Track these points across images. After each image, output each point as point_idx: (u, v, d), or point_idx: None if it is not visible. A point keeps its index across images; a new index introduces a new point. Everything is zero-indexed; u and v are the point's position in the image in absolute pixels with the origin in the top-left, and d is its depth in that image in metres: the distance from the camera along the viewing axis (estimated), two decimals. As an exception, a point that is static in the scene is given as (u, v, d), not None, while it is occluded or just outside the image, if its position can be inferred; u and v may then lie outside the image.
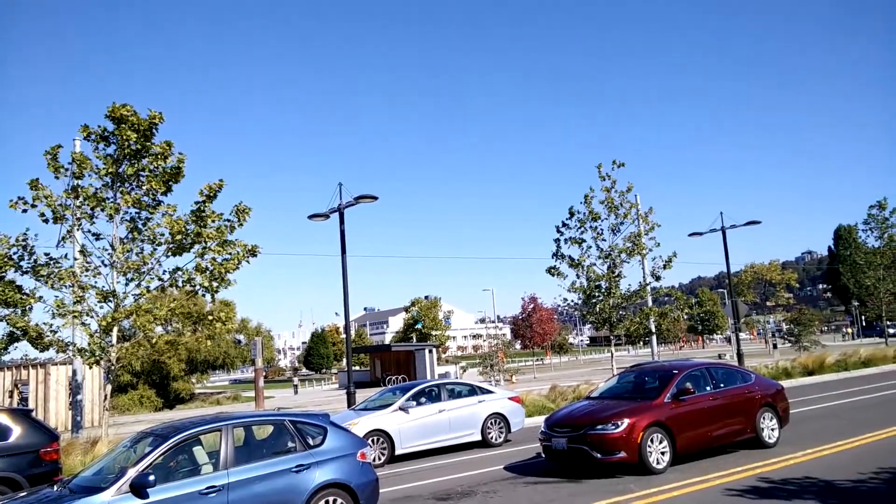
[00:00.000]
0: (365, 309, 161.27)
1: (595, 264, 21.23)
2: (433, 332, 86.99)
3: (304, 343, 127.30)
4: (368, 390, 31.17)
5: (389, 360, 53.52)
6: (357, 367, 62.95)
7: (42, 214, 13.92)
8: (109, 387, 15.70)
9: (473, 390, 15.19)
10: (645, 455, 10.19)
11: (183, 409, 43.89)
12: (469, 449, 14.40)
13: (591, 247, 21.35)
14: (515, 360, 67.31)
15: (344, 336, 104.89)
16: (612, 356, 23.46)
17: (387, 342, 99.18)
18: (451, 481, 10.98)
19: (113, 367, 14.87)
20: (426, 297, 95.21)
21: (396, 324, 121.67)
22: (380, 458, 13.07)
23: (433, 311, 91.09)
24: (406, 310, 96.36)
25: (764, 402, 11.99)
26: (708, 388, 11.56)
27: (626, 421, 10.31)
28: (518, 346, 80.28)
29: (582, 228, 21.29)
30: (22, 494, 7.20)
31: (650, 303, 24.31)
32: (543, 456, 11.57)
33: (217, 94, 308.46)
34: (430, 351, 49.87)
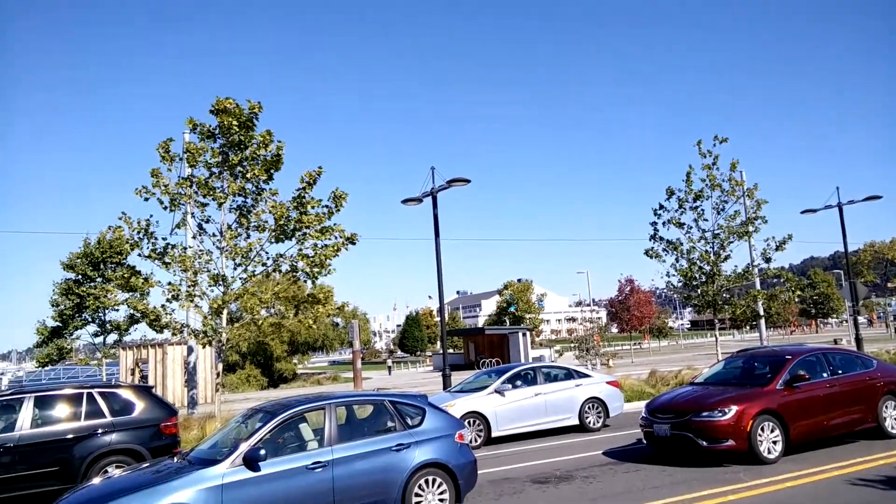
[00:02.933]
0: (458, 292, 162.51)
1: (696, 246, 20.34)
2: (526, 316, 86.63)
3: (398, 326, 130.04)
4: (462, 373, 31.44)
5: (483, 344, 53.74)
6: (451, 350, 63.67)
7: (161, 202, 14.85)
8: (220, 366, 16.61)
9: (570, 374, 14.97)
10: (755, 444, 9.71)
11: (286, 388, 45.87)
12: (566, 433, 14.22)
13: (691, 228, 20.46)
14: (612, 344, 65.90)
15: (437, 319, 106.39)
16: (716, 341, 22.49)
17: (479, 325, 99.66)
18: (549, 465, 10.88)
19: (223, 348, 15.68)
20: (519, 280, 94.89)
21: (489, 307, 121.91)
22: (476, 440, 13.14)
23: (526, 294, 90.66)
24: (499, 293, 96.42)
25: (887, 389, 11.16)
26: (824, 375, 10.86)
27: (735, 408, 9.85)
28: (614, 330, 78.67)
29: (681, 209, 20.42)
30: (145, 465, 7.72)
31: (758, 285, 23.09)
32: (644, 442, 11.27)
33: (308, 80, 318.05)
34: (524, 334, 49.65)
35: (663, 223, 20.68)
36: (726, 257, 20.01)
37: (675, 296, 23.84)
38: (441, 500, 7.62)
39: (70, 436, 9.85)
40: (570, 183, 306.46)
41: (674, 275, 20.84)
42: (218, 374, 16.50)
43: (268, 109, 14.90)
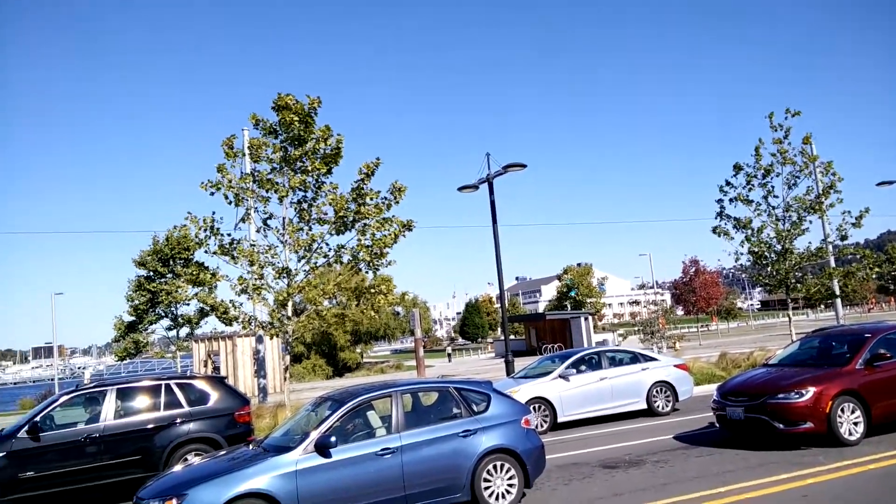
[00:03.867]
0: (517, 278, 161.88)
1: (766, 223, 19.60)
2: (587, 300, 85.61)
3: (458, 313, 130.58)
4: (524, 359, 31.33)
5: (544, 329, 53.40)
6: (512, 337, 63.52)
7: (226, 197, 15.25)
8: (288, 357, 17.02)
9: (636, 358, 14.71)
10: (835, 426, 9.33)
11: (351, 377, 46.81)
12: (633, 418, 14.00)
13: (761, 205, 19.72)
14: (677, 327, 64.41)
15: (497, 306, 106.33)
16: (789, 321, 21.65)
17: (540, 311, 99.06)
18: (618, 450, 10.74)
19: (290, 339, 16.05)
20: (578, 265, 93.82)
21: (549, 292, 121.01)
22: (541, 426, 13.08)
23: (586, 278, 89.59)
24: (558, 278, 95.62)
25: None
26: (908, 353, 10.31)
27: (813, 389, 9.48)
28: (680, 312, 76.76)
29: (749, 185, 19.69)
30: (222, 453, 7.99)
31: (832, 262, 22.11)
32: (716, 426, 10.99)
33: (364, 69, 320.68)
34: (586, 318, 49.08)
35: (730, 200, 19.99)
36: (800, 233, 19.20)
37: (744, 276, 23.06)
38: (510, 486, 7.62)
39: (151, 425, 10.29)
40: (629, 163, 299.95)
41: (743, 253, 20.17)
42: (286, 367, 16.93)
43: (324, 101, 15.09)
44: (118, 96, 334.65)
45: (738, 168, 19.76)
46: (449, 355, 59.96)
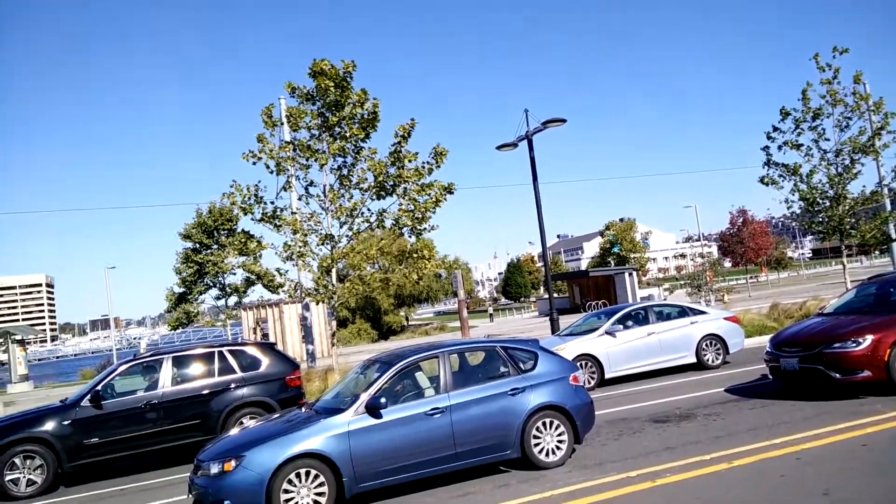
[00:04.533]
0: (558, 236, 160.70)
1: (817, 168, 18.88)
2: (631, 255, 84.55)
3: (500, 274, 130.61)
4: (568, 317, 31.22)
5: (588, 286, 53.03)
6: (555, 295, 63.30)
7: (267, 166, 15.38)
8: (334, 322, 17.28)
9: (684, 311, 14.47)
10: (894, 373, 9.04)
11: (395, 339, 47.39)
12: (682, 372, 13.84)
13: (811, 149, 18.98)
14: (726, 279, 63.15)
15: (540, 264, 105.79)
16: (843, 268, 20.98)
17: (582, 268, 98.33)
18: (668, 404, 10.65)
19: (335, 305, 16.25)
20: (621, 220, 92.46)
21: (591, 249, 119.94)
22: (589, 382, 13.04)
23: (629, 233, 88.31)
24: (601, 234, 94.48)
25: None
26: (972, 298, 9.88)
27: (870, 337, 9.18)
28: (728, 264, 75.22)
29: (798, 130, 18.94)
30: (275, 416, 8.19)
31: (888, 206, 21.25)
32: (770, 377, 10.79)
33: (396, 29, 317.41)
34: (630, 274, 48.50)
35: (778, 147, 19.31)
36: (853, 176, 18.45)
37: (794, 224, 22.40)
38: (560, 442, 7.63)
39: (206, 391, 10.60)
40: (670, 115, 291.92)
41: (794, 201, 19.52)
42: (333, 332, 17.20)
43: (358, 65, 14.96)
44: (159, 68, 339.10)
45: (785, 113, 19.02)
46: (491, 315, 60.16)
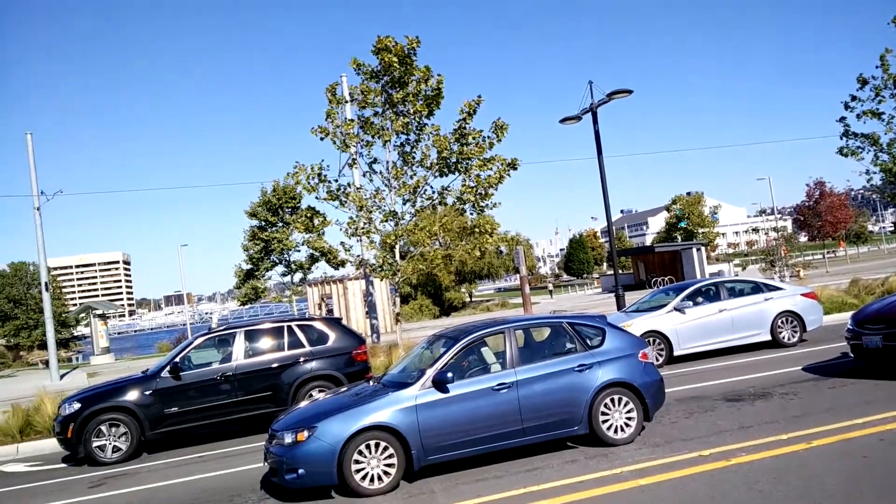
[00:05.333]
0: (622, 211, 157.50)
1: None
2: (699, 230, 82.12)
3: (561, 250, 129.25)
4: (632, 293, 30.63)
5: (653, 262, 51.85)
6: (619, 271, 62.21)
7: (333, 142, 15.56)
8: (398, 299, 17.51)
9: (758, 287, 13.94)
10: None
11: (457, 316, 47.56)
12: (756, 350, 13.38)
13: (893, 118, 17.87)
14: (802, 254, 60.57)
15: (603, 240, 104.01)
16: (930, 242, 19.77)
17: (647, 243, 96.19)
18: (741, 382, 10.33)
19: (398, 281, 16.42)
20: (688, 194, 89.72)
21: (656, 224, 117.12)
22: (657, 360, 12.76)
23: (697, 207, 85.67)
24: (667, 208, 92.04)
25: None
26: None
27: (964, 315, 8.62)
28: (803, 239, 72.06)
29: (878, 98, 17.85)
30: (344, 389, 8.34)
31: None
32: (850, 356, 10.30)
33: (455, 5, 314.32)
34: (698, 249, 47.08)
35: (857, 116, 18.27)
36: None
37: (875, 196, 21.21)
38: (629, 419, 7.51)
39: (277, 364, 10.90)
40: (740, 84, 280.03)
41: (874, 172, 18.48)
42: (397, 306, 17.40)
43: (421, 40, 14.87)
44: (226, 52, 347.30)
45: (863, 81, 17.95)
46: (550, 292, 59.67)
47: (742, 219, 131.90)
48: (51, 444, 11.09)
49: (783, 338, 13.32)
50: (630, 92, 16.95)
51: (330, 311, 36.48)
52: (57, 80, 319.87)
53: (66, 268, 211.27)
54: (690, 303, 13.41)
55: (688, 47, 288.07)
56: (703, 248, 49.54)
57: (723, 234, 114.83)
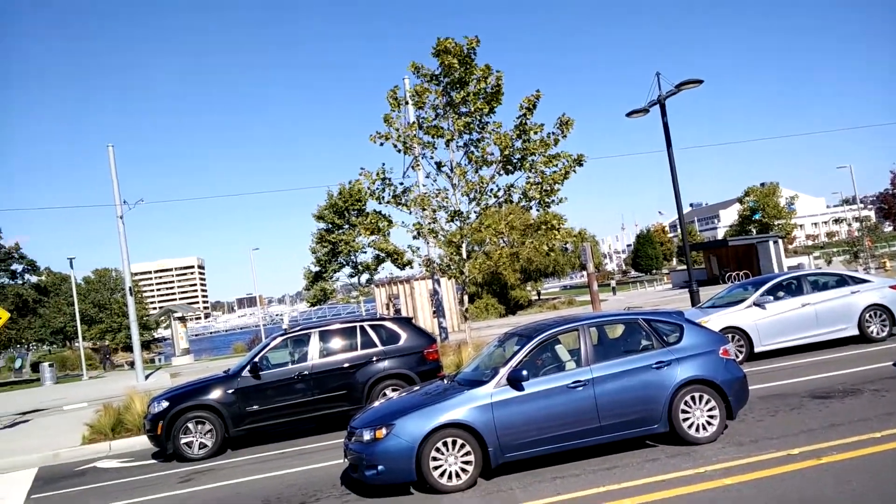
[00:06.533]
0: (691, 204, 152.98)
1: None
2: (775, 222, 78.95)
3: (628, 246, 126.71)
4: (706, 289, 29.71)
5: (727, 256, 50.13)
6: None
7: (394, 146, 15.76)
8: (466, 298, 17.56)
9: (843, 280, 13.29)
10: None
11: (523, 314, 47.28)
12: (842, 346, 12.78)
13: None
14: (887, 245, 57.26)
15: (671, 235, 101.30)
16: None
17: (719, 237, 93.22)
18: (828, 379, 9.89)
19: (466, 279, 16.47)
20: (762, 185, 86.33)
21: (728, 217, 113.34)
22: (737, 357, 12.35)
23: (772, 198, 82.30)
24: (739, 200, 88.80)
25: None
26: None
27: None
28: (888, 228, 68.21)
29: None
30: (417, 388, 8.43)
31: None
32: (949, 351, 9.71)
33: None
34: (775, 242, 45.24)
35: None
36: None
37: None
38: (710, 417, 7.30)
39: (351, 364, 11.11)
40: (814, 68, 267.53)
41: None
42: (465, 307, 17.46)
43: (480, 36, 14.88)
44: (294, 56, 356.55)
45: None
46: (613, 289, 58.50)
47: (821, 209, 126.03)
48: (140, 441, 11.65)
49: (872, 332, 12.67)
50: (700, 82, 16.48)
51: (398, 311, 36.90)
52: (134, 93, 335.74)
53: (145, 273, 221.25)
54: (771, 297, 12.92)
55: (757, 32, 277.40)
56: (780, 241, 47.58)
57: (800, 226, 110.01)
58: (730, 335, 12.43)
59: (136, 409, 12.58)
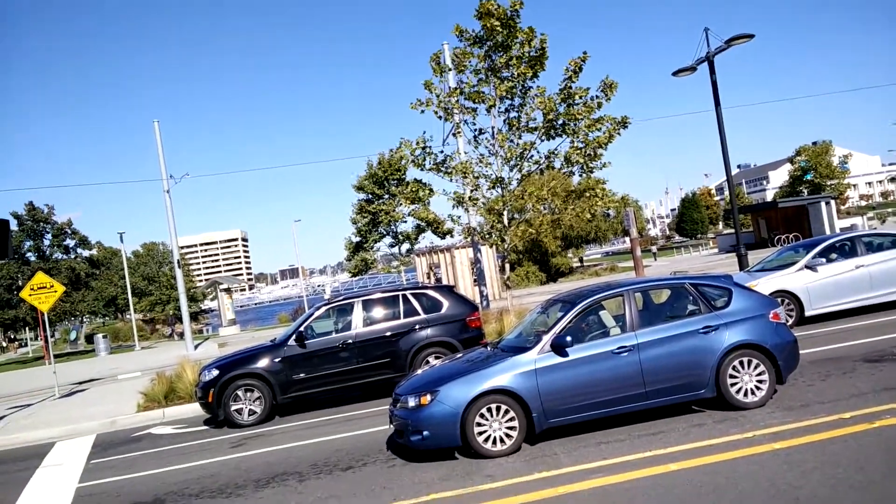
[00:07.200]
0: (738, 166, 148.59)
1: None
2: (827, 182, 76.37)
3: (672, 210, 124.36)
4: (754, 253, 29.01)
5: (776, 219, 48.76)
6: (733, 230, 59.05)
7: (435, 112, 15.63)
8: (507, 265, 17.51)
9: (899, 241, 12.78)
10: None
11: (564, 281, 46.92)
12: (896, 308, 12.37)
13: None
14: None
15: (717, 198, 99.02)
16: None
17: (767, 199, 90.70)
18: (882, 342, 9.61)
19: (507, 247, 16.40)
20: (814, 143, 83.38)
21: (777, 178, 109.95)
22: (787, 321, 12.04)
23: (824, 157, 79.48)
24: (790, 161, 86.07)
25: None
26: None
27: None
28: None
29: None
30: (459, 355, 8.46)
31: None
32: None
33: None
34: (827, 203, 43.76)
35: None
36: None
37: None
38: (759, 382, 7.17)
39: (395, 332, 11.21)
40: (865, 21, 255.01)
41: None
42: (507, 274, 17.41)
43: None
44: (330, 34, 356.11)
45: None
46: (654, 254, 57.58)
47: (876, 168, 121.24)
48: (192, 409, 12.03)
49: (929, 294, 12.19)
50: (751, 37, 15.85)
51: (438, 280, 37.05)
52: (179, 70, 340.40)
53: (191, 246, 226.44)
54: (823, 259, 12.52)
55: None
56: (832, 202, 46.04)
57: (854, 186, 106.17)
58: (779, 299, 12.13)
59: (187, 378, 12.96)
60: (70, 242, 44.86)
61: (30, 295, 17.17)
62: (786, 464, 5.44)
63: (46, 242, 43.67)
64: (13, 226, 38.90)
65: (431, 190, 16.71)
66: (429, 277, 39.52)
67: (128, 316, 62.73)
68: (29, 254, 42.59)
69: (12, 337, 62.20)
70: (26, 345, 59.14)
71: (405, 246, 57.18)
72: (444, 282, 35.81)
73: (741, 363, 7.17)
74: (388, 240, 58.03)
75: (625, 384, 6.98)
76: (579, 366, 6.94)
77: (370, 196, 55.07)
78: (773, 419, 6.69)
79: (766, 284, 12.21)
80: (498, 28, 14.31)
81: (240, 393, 10.54)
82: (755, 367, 7.18)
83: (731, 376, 7.13)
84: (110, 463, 9.29)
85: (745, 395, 7.14)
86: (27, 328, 49.52)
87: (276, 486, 6.91)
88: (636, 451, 6.26)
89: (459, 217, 16.64)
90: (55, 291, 17.38)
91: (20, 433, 12.39)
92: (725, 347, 7.14)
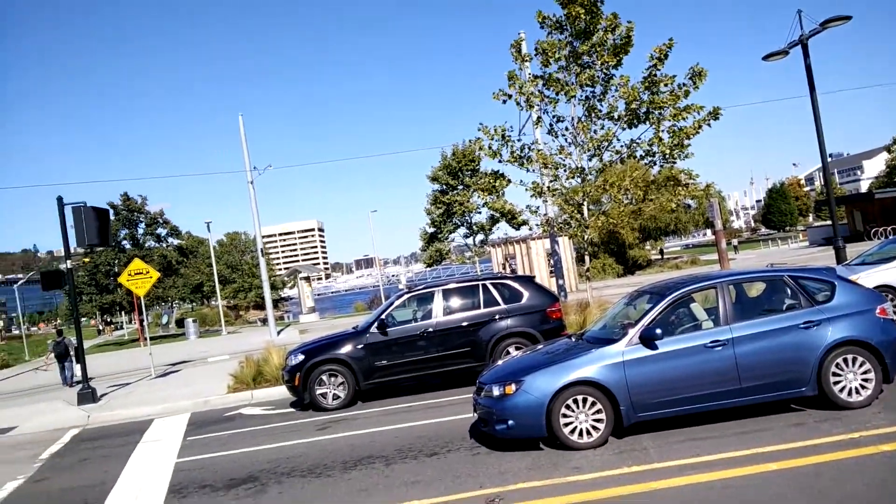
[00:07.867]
0: (830, 155, 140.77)
1: None
2: (929, 171, 71.41)
3: (758, 201, 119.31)
4: (850, 246, 27.36)
5: (873, 211, 45.96)
6: (828, 222, 55.98)
7: (517, 102, 15.44)
8: (587, 256, 17.21)
9: None
10: None
11: (642, 274, 45.85)
12: None
13: None
14: None
15: (807, 188, 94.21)
16: None
17: (862, 190, 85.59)
18: None
19: (587, 238, 16.10)
20: (915, 131, 77.93)
21: (873, 167, 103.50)
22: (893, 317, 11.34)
23: (926, 146, 74.27)
24: (887, 149, 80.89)
25: None
26: None
27: None
28: None
29: None
30: (541, 346, 8.38)
31: None
32: None
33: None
34: (929, 194, 40.96)
35: None
36: None
37: None
38: (865, 380, 6.78)
39: (475, 321, 11.21)
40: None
41: None
42: (585, 265, 17.12)
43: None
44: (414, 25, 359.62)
45: None
46: (735, 248, 55.27)
47: None
48: (278, 391, 12.43)
49: None
50: (848, 18, 14.94)
51: (513, 271, 36.92)
52: (263, 62, 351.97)
53: (270, 236, 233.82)
54: (931, 253, 11.72)
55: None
56: (936, 191, 42.99)
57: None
58: (882, 293, 11.41)
59: (273, 362, 13.41)
60: (162, 231, 47.16)
61: (128, 280, 18.19)
62: (895, 468, 5.13)
63: (140, 231, 46.04)
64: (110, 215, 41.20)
65: (509, 180, 16.57)
66: (504, 268, 39.44)
67: (213, 302, 65.50)
68: (124, 242, 45.02)
69: (108, 320, 66.12)
70: (121, 328, 62.80)
71: (479, 237, 57.20)
72: (520, 273, 35.63)
73: (845, 360, 6.80)
74: (462, 230, 58.17)
75: (719, 379, 6.73)
76: (669, 359, 6.75)
77: (444, 187, 55.31)
78: (879, 420, 6.33)
79: (869, 279, 11.55)
80: (581, 14, 13.95)
81: (324, 377, 10.82)
82: (860, 365, 6.80)
83: (835, 374, 6.78)
84: (205, 440, 9.73)
85: (850, 394, 6.77)
86: (122, 312, 52.46)
87: (363, 468, 7.06)
88: (732, 449, 6.05)
89: (537, 208, 16.44)
90: (151, 277, 18.35)
91: (121, 410, 13.17)
92: (828, 344, 6.78)
